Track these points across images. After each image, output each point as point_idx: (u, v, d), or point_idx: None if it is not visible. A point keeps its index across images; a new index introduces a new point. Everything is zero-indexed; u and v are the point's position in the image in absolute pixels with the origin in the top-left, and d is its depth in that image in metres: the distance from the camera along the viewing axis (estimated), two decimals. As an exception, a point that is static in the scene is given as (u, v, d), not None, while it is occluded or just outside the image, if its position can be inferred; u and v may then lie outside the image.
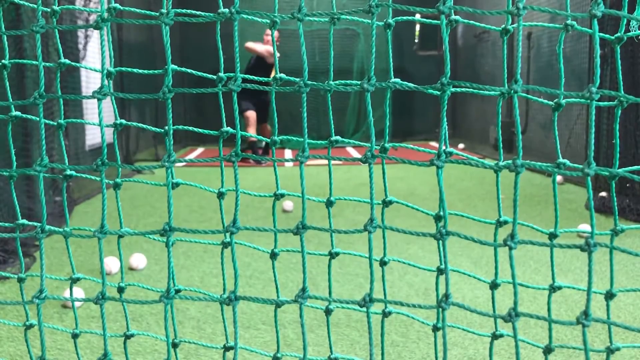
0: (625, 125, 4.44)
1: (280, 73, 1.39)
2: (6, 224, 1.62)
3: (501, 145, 1.39)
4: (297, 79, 1.36)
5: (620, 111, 1.29)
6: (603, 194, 4.69)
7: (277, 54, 1.40)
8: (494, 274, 1.47)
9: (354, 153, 9.00)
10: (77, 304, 2.65)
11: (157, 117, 8.98)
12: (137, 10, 1.49)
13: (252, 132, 8.13)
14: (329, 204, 1.45)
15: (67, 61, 1.49)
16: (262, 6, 10.16)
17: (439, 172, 1.28)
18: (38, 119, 1.49)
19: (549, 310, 1.43)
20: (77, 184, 5.28)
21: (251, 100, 8.03)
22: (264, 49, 7.95)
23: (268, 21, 1.35)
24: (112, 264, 3.16)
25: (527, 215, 4.58)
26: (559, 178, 6.08)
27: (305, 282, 1.42)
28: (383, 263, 1.54)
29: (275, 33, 8.85)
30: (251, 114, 8.07)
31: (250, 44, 7.97)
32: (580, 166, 1.22)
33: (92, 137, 6.36)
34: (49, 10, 1.47)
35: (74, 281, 1.61)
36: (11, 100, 1.52)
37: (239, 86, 1.38)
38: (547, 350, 1.42)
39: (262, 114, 8.28)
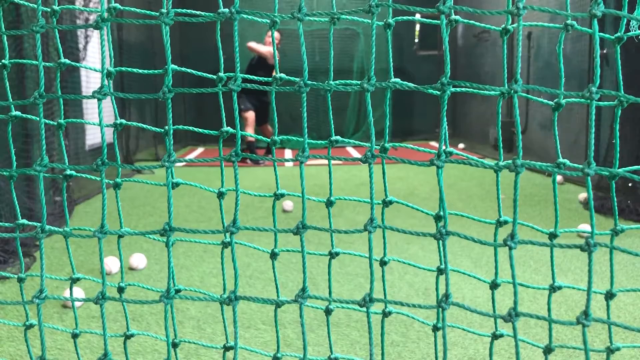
0: (625, 125, 4.44)
1: (280, 73, 1.39)
2: (6, 224, 1.62)
3: (501, 145, 1.39)
4: (297, 79, 1.36)
5: (620, 111, 1.29)
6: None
7: (277, 55, 1.40)
8: (494, 274, 1.47)
9: (354, 153, 9.00)
10: (77, 304, 2.65)
11: (157, 117, 8.98)
12: (137, 10, 1.49)
13: (250, 132, 8.13)
14: (329, 204, 1.45)
15: (67, 61, 1.49)
16: (262, 6, 10.16)
17: (439, 172, 1.28)
18: (38, 119, 1.49)
19: (549, 310, 1.43)
20: (77, 184, 5.28)
21: (251, 101, 8.05)
22: (266, 49, 7.97)
23: (268, 21, 1.35)
24: (112, 264, 3.16)
25: (527, 215, 4.58)
26: (559, 178, 6.08)
27: (305, 282, 1.42)
28: (383, 263, 1.54)
29: (277, 34, 8.74)
30: (250, 114, 8.07)
31: (253, 44, 7.99)
32: (580, 166, 1.22)
33: (92, 137, 6.36)
34: (49, 10, 1.47)
35: (74, 281, 1.61)
36: (11, 100, 1.52)
37: (239, 86, 1.38)
38: (547, 350, 1.42)
39: (263, 115, 8.29)
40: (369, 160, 1.34)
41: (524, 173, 6.72)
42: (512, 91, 1.24)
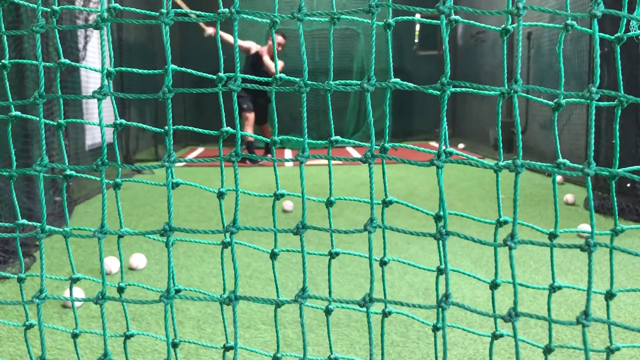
0: (625, 125, 4.44)
1: (280, 73, 1.39)
2: (6, 224, 1.62)
3: (501, 145, 1.39)
4: (297, 79, 1.36)
5: (620, 111, 1.29)
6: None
7: (280, 64, 1.40)
8: (494, 274, 1.47)
9: (354, 153, 9.00)
10: (77, 304, 2.65)
11: (157, 117, 8.98)
12: (137, 10, 1.49)
13: (250, 132, 8.04)
14: (329, 204, 1.45)
15: (67, 61, 1.49)
16: (262, 6, 10.16)
17: (439, 172, 1.28)
18: (38, 119, 1.49)
19: (549, 310, 1.43)
20: (77, 184, 5.28)
21: (251, 101, 7.99)
22: (269, 62, 7.86)
23: (268, 21, 1.35)
24: (112, 264, 3.16)
25: (527, 215, 4.58)
26: (559, 178, 6.08)
27: (305, 282, 1.42)
28: (383, 263, 1.54)
29: (281, 38, 8.56)
30: (251, 115, 8.03)
31: (268, 61, 7.89)
32: (580, 166, 1.22)
33: (92, 137, 6.36)
34: (49, 10, 1.47)
35: (74, 281, 1.61)
36: (11, 100, 1.52)
37: (239, 86, 1.38)
38: (547, 350, 1.42)
39: (263, 115, 8.26)
40: (369, 160, 1.34)
41: (524, 173, 6.72)
42: (512, 91, 1.24)
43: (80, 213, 4.80)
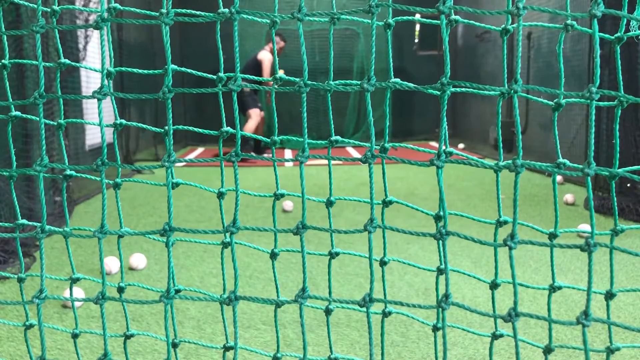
0: (625, 125, 4.44)
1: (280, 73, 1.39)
2: (6, 224, 1.62)
3: (501, 145, 1.39)
4: (297, 79, 1.36)
5: (620, 111, 1.29)
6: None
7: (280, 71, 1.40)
8: (494, 274, 1.47)
9: (354, 153, 9.00)
10: (77, 304, 2.65)
11: (157, 117, 8.98)
12: (137, 10, 1.49)
13: (254, 126, 8.24)
14: (329, 204, 1.45)
15: (67, 61, 1.49)
16: (262, 6, 10.17)
17: (439, 172, 1.28)
18: (38, 119, 1.49)
19: (549, 310, 1.43)
20: (77, 184, 5.28)
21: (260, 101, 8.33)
22: (266, 71, 8.07)
23: (268, 21, 1.35)
24: (112, 264, 3.16)
25: (527, 215, 4.58)
26: (559, 178, 6.08)
27: (305, 282, 1.42)
28: (383, 263, 1.54)
29: (282, 42, 8.77)
30: (261, 112, 8.34)
31: (266, 67, 8.08)
32: (580, 166, 1.22)
33: (92, 137, 6.36)
34: (49, 10, 1.47)
35: (74, 281, 1.61)
36: (11, 100, 1.52)
37: (239, 86, 1.38)
38: (547, 350, 1.42)
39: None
40: (369, 160, 1.34)
41: (524, 173, 6.72)
42: (512, 91, 1.24)
43: (80, 213, 4.80)
